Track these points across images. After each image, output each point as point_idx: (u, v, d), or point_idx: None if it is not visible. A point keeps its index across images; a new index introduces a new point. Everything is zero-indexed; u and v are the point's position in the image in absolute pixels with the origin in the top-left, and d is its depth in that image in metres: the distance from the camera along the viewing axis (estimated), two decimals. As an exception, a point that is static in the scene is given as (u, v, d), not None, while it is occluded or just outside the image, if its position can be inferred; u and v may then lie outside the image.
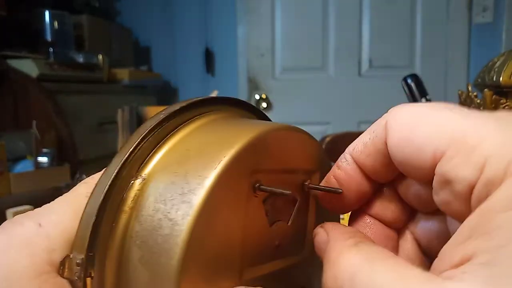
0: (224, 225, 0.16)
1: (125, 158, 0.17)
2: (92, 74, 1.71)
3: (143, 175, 0.17)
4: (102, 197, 0.16)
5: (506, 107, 0.49)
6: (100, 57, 1.75)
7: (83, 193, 0.18)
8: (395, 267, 0.13)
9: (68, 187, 0.67)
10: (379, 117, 0.18)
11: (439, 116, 0.15)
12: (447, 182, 0.14)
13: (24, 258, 0.16)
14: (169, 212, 0.15)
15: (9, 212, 0.56)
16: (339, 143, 0.95)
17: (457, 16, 1.86)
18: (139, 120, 0.80)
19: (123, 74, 1.88)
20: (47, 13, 1.60)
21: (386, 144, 0.16)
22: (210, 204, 0.15)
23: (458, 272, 0.12)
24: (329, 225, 0.18)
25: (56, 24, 1.61)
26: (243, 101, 0.21)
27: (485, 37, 1.82)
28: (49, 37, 1.60)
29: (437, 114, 0.15)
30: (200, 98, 0.19)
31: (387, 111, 0.17)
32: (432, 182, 0.15)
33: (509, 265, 0.11)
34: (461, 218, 0.14)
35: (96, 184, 0.17)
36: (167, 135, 0.18)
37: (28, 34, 1.59)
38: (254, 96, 2.00)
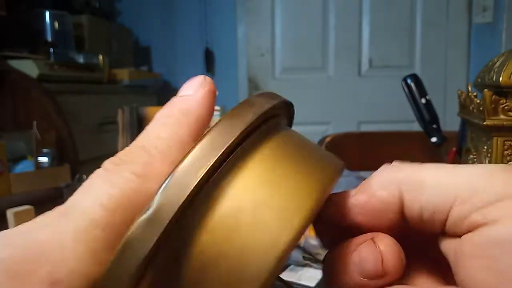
0: None
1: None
2: (92, 74, 1.71)
3: (185, 226, 0.14)
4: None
5: (506, 107, 0.49)
6: (100, 57, 1.75)
7: (97, 223, 0.14)
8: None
9: (68, 187, 0.67)
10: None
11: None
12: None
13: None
14: None
15: (9, 212, 0.56)
16: (339, 143, 0.95)
17: (457, 16, 1.86)
18: (139, 120, 0.80)
19: (123, 74, 1.88)
20: (47, 13, 1.60)
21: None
22: None
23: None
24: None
25: (56, 24, 1.61)
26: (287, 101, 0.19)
27: (485, 37, 1.82)
28: (49, 38, 1.61)
29: None
30: (282, 99, 0.17)
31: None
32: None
33: None
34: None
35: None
36: (218, 169, 0.14)
37: (28, 34, 1.59)
38: (254, 96, 2.00)
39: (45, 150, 1.14)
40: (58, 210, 0.14)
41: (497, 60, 0.50)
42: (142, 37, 2.24)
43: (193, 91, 0.16)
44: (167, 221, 0.13)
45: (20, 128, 1.35)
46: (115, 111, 0.82)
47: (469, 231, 0.14)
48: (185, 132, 0.15)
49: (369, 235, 0.16)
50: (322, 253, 0.54)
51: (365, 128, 1.92)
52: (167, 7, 2.14)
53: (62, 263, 0.13)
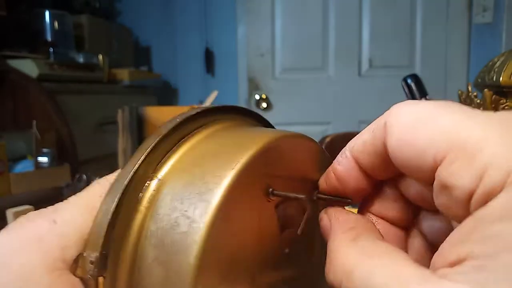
0: (240, 226, 0.16)
1: (141, 159, 0.17)
2: (92, 74, 1.71)
3: (159, 176, 0.17)
4: (118, 196, 0.16)
5: (506, 107, 0.49)
6: (100, 57, 1.75)
7: (97, 193, 0.18)
8: (392, 264, 0.13)
9: (68, 187, 0.67)
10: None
11: (440, 118, 0.14)
12: (446, 188, 0.14)
13: (36, 255, 0.16)
14: (186, 211, 0.16)
15: (9, 212, 0.56)
16: (339, 143, 0.95)
17: (457, 16, 1.86)
18: (139, 120, 0.80)
19: (123, 74, 1.88)
20: (47, 13, 1.60)
21: (385, 145, 0.16)
22: (228, 204, 0.16)
23: (453, 271, 0.12)
24: (331, 212, 0.18)
25: (56, 24, 1.61)
26: (253, 111, 0.22)
27: (485, 37, 1.82)
28: (49, 37, 1.61)
29: (438, 116, 0.15)
30: (215, 106, 0.20)
31: (388, 109, 0.17)
32: (433, 184, 0.15)
33: (499, 272, 0.11)
34: (460, 221, 0.14)
35: (112, 183, 0.17)
36: (182, 138, 0.18)
37: (28, 34, 1.59)
38: (254, 96, 2.00)
39: (45, 150, 1.14)
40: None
41: (497, 60, 0.50)
42: (142, 37, 2.24)
43: None
44: (125, 184, 0.16)
45: (20, 128, 1.35)
46: (115, 111, 0.82)
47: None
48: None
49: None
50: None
51: (365, 128, 1.91)
52: (167, 7, 2.14)
53: (63, 212, 0.18)
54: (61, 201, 0.18)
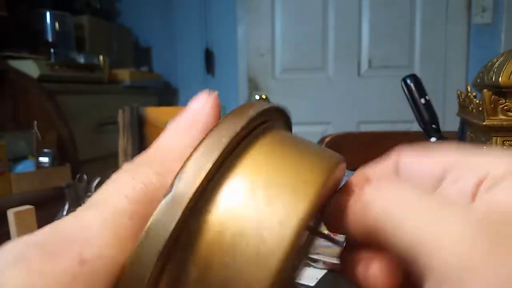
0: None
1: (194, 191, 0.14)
2: (92, 74, 1.72)
3: (204, 209, 0.15)
4: (157, 254, 0.13)
5: (505, 107, 0.49)
6: (101, 57, 1.75)
7: (122, 211, 0.14)
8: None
9: (69, 187, 0.67)
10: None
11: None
12: None
13: None
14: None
15: (10, 212, 0.56)
16: (339, 143, 0.95)
17: (456, 16, 1.87)
18: (140, 120, 0.80)
19: (124, 75, 1.88)
20: (47, 14, 1.60)
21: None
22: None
23: None
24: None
25: (57, 24, 1.62)
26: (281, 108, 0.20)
27: (484, 37, 1.82)
28: (49, 38, 1.61)
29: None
30: (268, 107, 0.17)
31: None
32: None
33: None
34: None
35: (152, 221, 0.14)
36: (227, 157, 0.15)
37: (29, 34, 1.59)
38: (254, 96, 2.00)
39: (45, 150, 1.15)
40: (84, 205, 0.15)
41: (496, 61, 0.50)
42: (142, 38, 2.24)
43: (200, 104, 0.18)
44: (187, 199, 0.14)
45: (21, 128, 1.35)
46: (116, 111, 0.82)
47: None
48: (194, 138, 0.17)
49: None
50: (322, 252, 0.54)
51: (364, 128, 1.92)
52: (167, 7, 2.15)
53: (90, 246, 0.13)
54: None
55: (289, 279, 0.19)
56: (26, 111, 1.40)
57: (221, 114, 0.19)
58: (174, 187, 0.14)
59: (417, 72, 1.83)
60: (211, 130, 0.15)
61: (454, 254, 0.12)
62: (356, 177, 0.19)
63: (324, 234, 0.21)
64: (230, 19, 2.03)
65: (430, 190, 0.16)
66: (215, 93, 0.19)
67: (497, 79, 0.48)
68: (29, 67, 1.44)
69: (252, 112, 0.16)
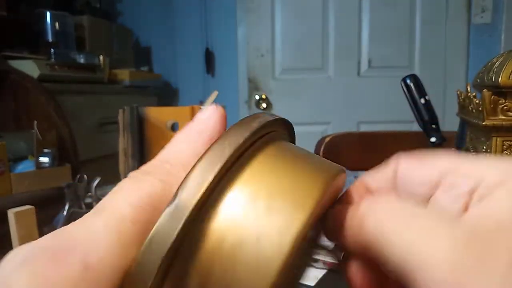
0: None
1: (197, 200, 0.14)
2: (92, 74, 1.72)
3: (205, 219, 0.15)
4: (161, 259, 0.14)
5: (505, 107, 0.49)
6: (101, 57, 1.75)
7: (127, 218, 0.15)
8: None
9: (69, 187, 0.67)
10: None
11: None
12: None
13: None
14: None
15: (10, 212, 0.56)
16: (339, 143, 0.95)
17: (456, 16, 1.87)
18: (140, 120, 0.80)
19: (124, 75, 1.88)
20: (48, 14, 1.60)
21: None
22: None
23: None
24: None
25: (57, 24, 1.62)
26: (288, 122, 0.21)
27: (484, 37, 1.82)
28: (50, 38, 1.61)
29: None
30: (272, 119, 0.18)
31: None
32: None
33: None
34: None
35: (156, 231, 0.14)
36: (230, 168, 0.16)
37: (29, 34, 1.59)
38: (254, 97, 2.00)
39: (46, 150, 1.15)
40: (91, 211, 0.15)
41: (496, 61, 0.50)
42: (142, 38, 2.24)
43: (207, 115, 0.19)
44: (190, 209, 0.14)
45: (21, 128, 1.35)
46: (116, 111, 0.82)
47: None
48: (200, 148, 0.17)
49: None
50: (321, 253, 0.54)
51: (364, 128, 1.92)
52: (167, 7, 2.15)
53: (94, 252, 0.14)
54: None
55: (289, 287, 0.19)
56: (26, 111, 1.40)
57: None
58: (177, 197, 0.14)
59: (417, 72, 1.84)
60: (215, 142, 0.16)
61: (441, 271, 0.12)
62: (356, 187, 0.19)
63: (322, 246, 0.21)
64: (230, 19, 2.04)
65: (426, 197, 0.17)
66: (222, 106, 0.19)
67: (497, 79, 0.48)
68: (29, 67, 1.44)
69: (255, 125, 0.17)
